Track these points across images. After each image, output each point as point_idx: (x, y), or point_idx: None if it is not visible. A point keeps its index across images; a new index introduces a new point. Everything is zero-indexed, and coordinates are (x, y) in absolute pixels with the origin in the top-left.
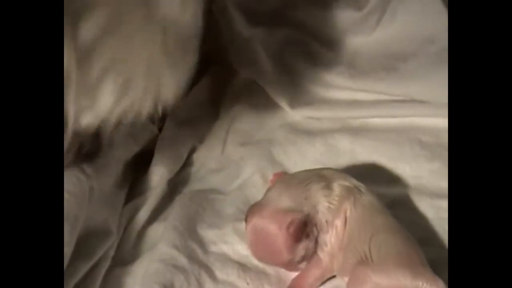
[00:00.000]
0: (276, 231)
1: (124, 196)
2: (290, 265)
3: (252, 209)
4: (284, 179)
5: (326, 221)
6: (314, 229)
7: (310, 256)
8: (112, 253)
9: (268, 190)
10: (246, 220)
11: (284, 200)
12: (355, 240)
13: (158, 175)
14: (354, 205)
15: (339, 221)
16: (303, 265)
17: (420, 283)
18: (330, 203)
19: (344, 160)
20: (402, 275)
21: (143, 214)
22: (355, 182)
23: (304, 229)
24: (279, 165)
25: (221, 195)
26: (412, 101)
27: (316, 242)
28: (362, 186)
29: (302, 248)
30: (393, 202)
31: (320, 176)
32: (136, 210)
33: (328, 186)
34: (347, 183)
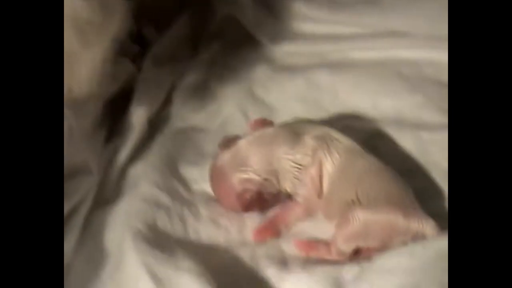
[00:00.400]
0: (230, 191)
1: (104, 135)
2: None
3: (222, 148)
4: (258, 134)
5: (296, 177)
6: (270, 192)
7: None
8: (93, 193)
9: (243, 138)
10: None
11: (250, 159)
12: (338, 187)
13: (139, 114)
14: (329, 153)
15: (313, 170)
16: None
17: (412, 223)
18: (300, 156)
19: (324, 95)
20: (394, 215)
21: (124, 153)
22: (327, 130)
23: (257, 200)
24: (260, 102)
25: (202, 133)
26: (393, 33)
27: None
28: (336, 133)
29: (255, 209)
30: (374, 135)
31: (290, 132)
32: (117, 150)
33: (297, 141)
34: (319, 133)
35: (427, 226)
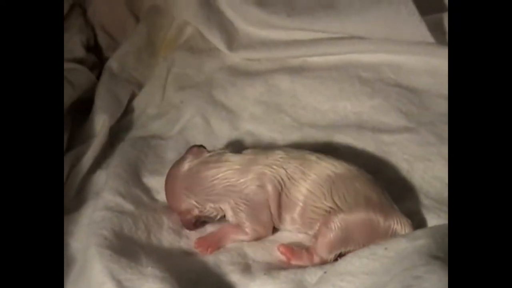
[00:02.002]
0: (175, 208)
1: (64, 144)
2: None
3: (186, 156)
4: (211, 162)
5: (240, 208)
6: (212, 218)
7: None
8: None
9: (200, 158)
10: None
11: (195, 187)
12: (311, 201)
13: (100, 123)
14: (287, 174)
15: (266, 203)
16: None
17: (392, 223)
18: (245, 187)
19: (284, 100)
20: (375, 217)
21: (86, 162)
22: (282, 154)
23: (196, 223)
24: (220, 106)
25: (163, 140)
26: (351, 37)
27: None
28: (294, 153)
29: (195, 229)
30: (335, 138)
31: (241, 163)
32: (79, 158)
33: (246, 171)
34: (272, 161)
35: (406, 226)
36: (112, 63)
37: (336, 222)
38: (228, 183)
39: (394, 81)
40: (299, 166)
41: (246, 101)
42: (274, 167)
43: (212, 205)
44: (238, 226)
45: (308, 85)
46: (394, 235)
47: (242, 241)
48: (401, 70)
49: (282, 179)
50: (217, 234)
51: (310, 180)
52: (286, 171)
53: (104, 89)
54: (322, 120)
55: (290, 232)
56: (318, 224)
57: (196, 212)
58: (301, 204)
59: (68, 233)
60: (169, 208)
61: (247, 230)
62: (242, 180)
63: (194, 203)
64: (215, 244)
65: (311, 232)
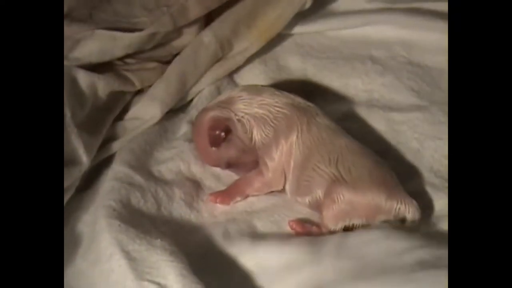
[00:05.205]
0: (203, 128)
1: (109, 122)
2: (220, 166)
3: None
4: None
5: (267, 135)
6: (240, 138)
7: (249, 167)
8: (77, 183)
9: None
10: None
11: (234, 101)
12: (315, 160)
13: (150, 114)
14: (308, 126)
15: (284, 140)
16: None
17: (395, 203)
18: (275, 119)
19: (296, 79)
20: (378, 195)
21: (118, 144)
22: (309, 104)
23: (225, 136)
24: (233, 83)
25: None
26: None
27: (254, 154)
28: (317, 108)
29: (223, 153)
30: (345, 116)
31: (274, 94)
32: (113, 137)
33: (278, 104)
34: (301, 104)
35: (410, 207)
36: (206, 35)
37: (339, 194)
38: (268, 99)
39: (406, 59)
40: (318, 125)
41: (257, 80)
42: (304, 113)
43: (246, 122)
44: (249, 176)
45: (319, 65)
46: (397, 215)
47: (254, 191)
48: (413, 48)
49: (303, 128)
50: (228, 188)
51: (322, 141)
52: (308, 122)
53: (176, 68)
54: (332, 98)
55: (299, 207)
56: (316, 192)
57: (228, 121)
58: (302, 159)
59: (82, 208)
60: (196, 139)
61: (267, 171)
62: (274, 114)
63: (228, 112)
64: (224, 195)
65: (307, 198)
